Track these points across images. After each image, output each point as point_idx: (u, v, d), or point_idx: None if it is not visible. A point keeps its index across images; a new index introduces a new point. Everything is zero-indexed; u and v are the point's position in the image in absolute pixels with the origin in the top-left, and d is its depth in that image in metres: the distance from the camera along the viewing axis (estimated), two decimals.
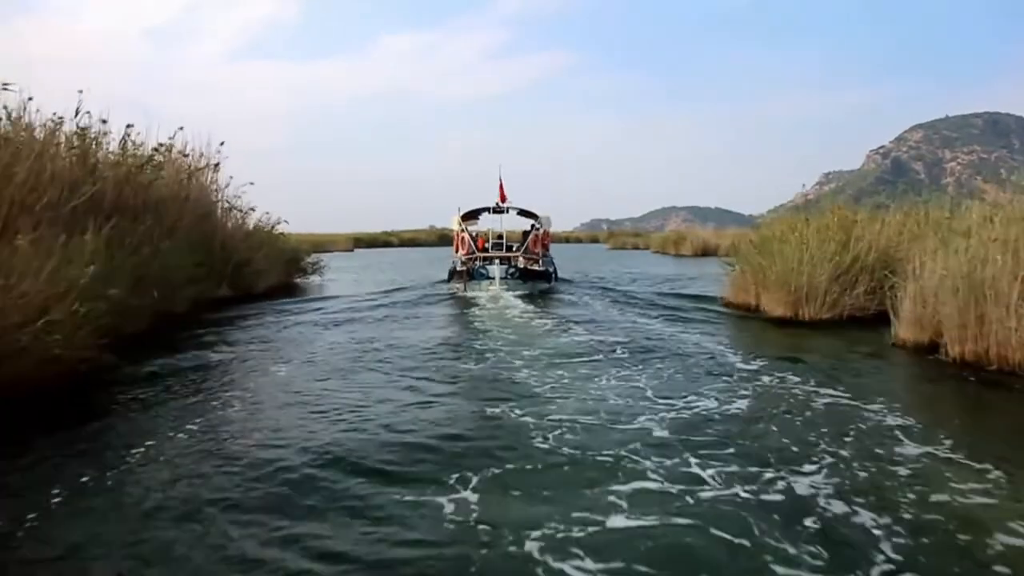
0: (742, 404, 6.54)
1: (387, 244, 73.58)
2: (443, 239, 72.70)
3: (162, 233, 11.41)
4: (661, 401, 6.59)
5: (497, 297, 16.44)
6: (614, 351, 9.32)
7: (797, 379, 7.56)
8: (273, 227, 19.30)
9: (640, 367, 8.26)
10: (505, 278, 18.23)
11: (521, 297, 16.43)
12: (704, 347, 9.63)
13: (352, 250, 61.40)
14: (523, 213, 20.60)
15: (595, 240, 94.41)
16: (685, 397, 6.73)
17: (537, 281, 18.91)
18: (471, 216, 20.47)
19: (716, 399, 6.66)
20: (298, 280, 21.10)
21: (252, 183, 17.38)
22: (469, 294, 16.96)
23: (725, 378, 7.67)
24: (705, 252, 43.79)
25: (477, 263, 18.88)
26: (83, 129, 10.92)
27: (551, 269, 20.07)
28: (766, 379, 7.62)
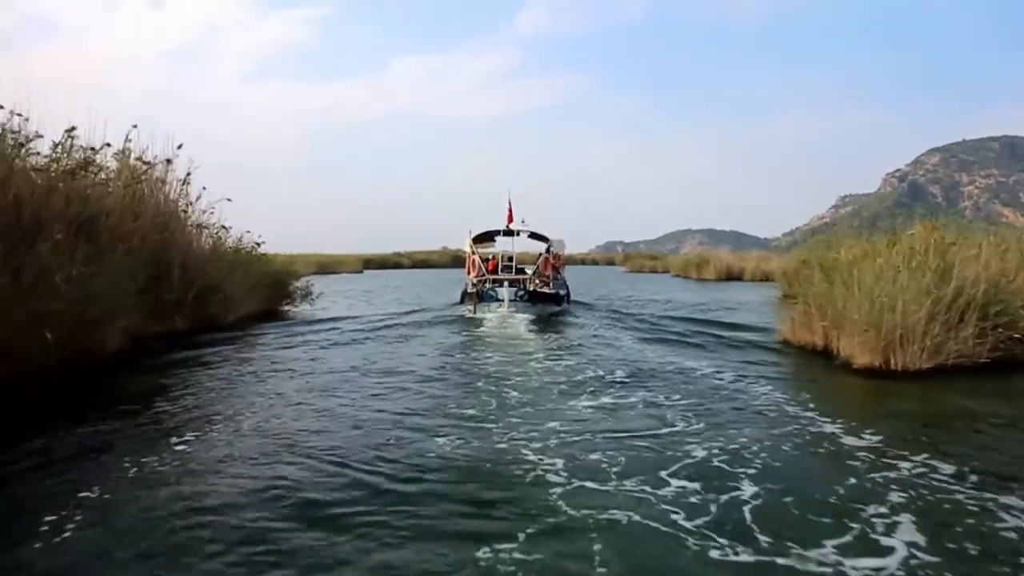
0: (884, 522, 4.19)
1: (398, 265, 71.79)
2: (456, 260, 71.44)
3: (94, 253, 9.08)
4: (764, 536, 4.12)
5: (504, 323, 15.79)
6: (667, 418, 6.95)
7: (948, 472, 5.17)
8: (253, 248, 17.15)
9: (705, 442, 5.99)
10: (514, 300, 17.72)
11: (534, 330, 14.73)
12: (784, 408, 7.29)
13: (361, 271, 59.65)
14: (534, 236, 20.66)
15: (611, 262, 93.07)
16: (792, 525, 4.26)
17: (547, 304, 18.55)
18: (485, 238, 20.66)
19: (844, 520, 4.27)
20: (287, 308, 18.96)
21: (229, 199, 15.11)
22: (478, 316, 16.93)
23: (836, 466, 5.40)
24: (729, 276, 41.77)
25: (487, 285, 18.40)
26: None
27: (563, 292, 19.97)
28: (903, 469, 5.24)
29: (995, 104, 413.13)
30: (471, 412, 7.11)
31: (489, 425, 6.59)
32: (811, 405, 7.41)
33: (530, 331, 13.85)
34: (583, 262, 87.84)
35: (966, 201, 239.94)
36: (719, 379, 8.95)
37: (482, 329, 14.83)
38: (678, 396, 7.85)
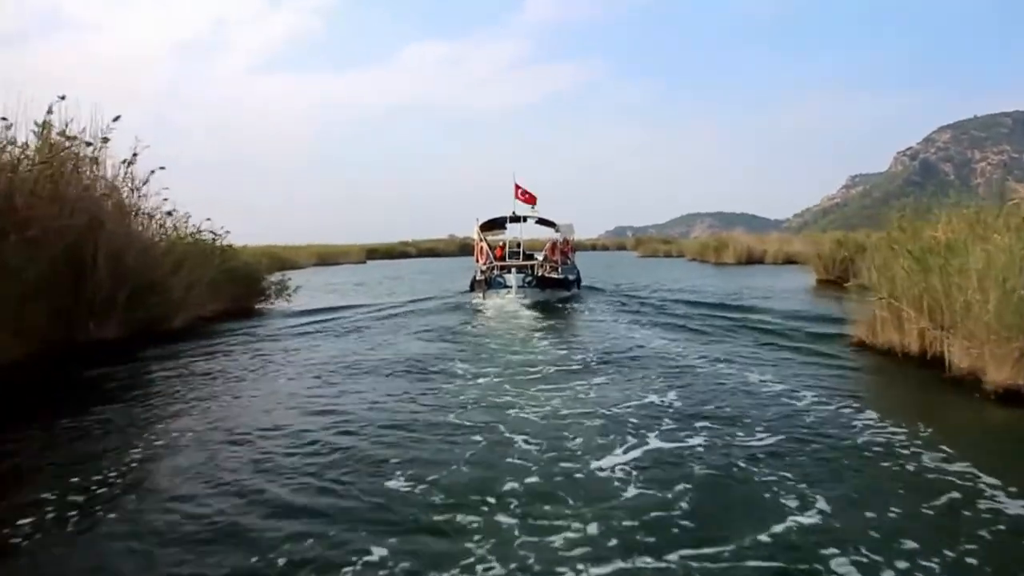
0: None
1: (404, 255, 69.68)
2: (464, 248, 69.63)
3: None
4: None
5: (510, 319, 14.62)
6: (744, 472, 4.70)
7: None
8: (214, 239, 14.86)
9: (807, 512, 3.90)
10: (523, 286, 17.41)
11: (545, 328, 12.90)
12: (906, 455, 4.95)
13: (364, 262, 57.55)
14: (542, 222, 20.63)
15: (622, 247, 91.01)
16: None
17: (556, 289, 18.60)
18: (494, 226, 20.56)
19: None
20: (259, 305, 16.76)
21: (168, 189, 12.74)
22: (487, 302, 17.16)
23: None
24: (750, 260, 39.33)
25: (495, 272, 18.23)
26: None
27: (572, 277, 20.22)
28: None
29: (1007, 79, 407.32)
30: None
31: None
32: (948, 450, 4.99)
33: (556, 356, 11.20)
34: (593, 248, 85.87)
35: (978, 178, 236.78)
36: (797, 401, 6.61)
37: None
38: (754, 431, 5.60)
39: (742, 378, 7.73)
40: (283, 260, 45.14)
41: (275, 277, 17.87)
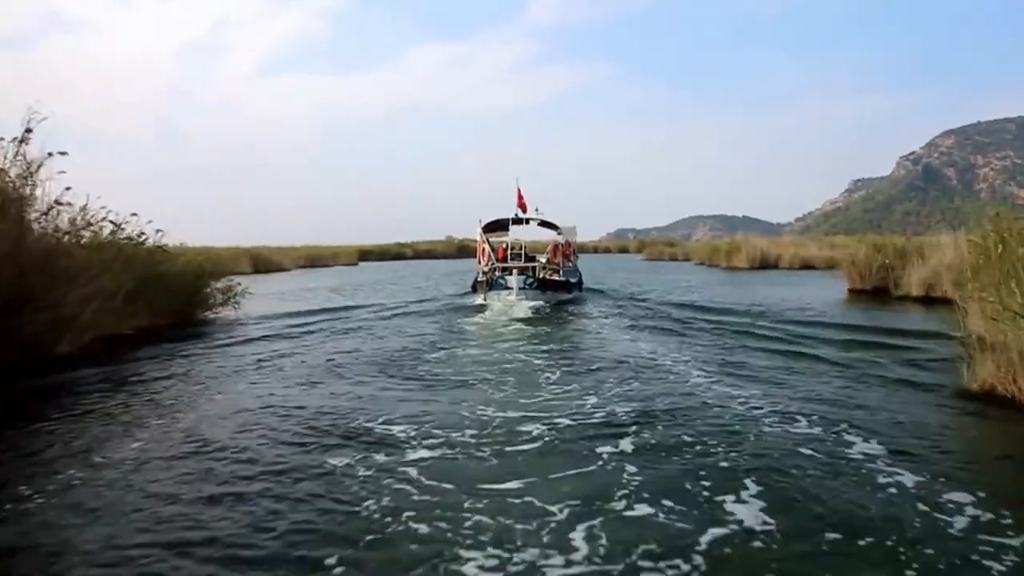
0: None
1: (400, 256, 67.64)
2: (462, 250, 68.94)
3: None
4: None
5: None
6: None
7: None
8: (140, 239, 12.47)
9: None
10: (524, 288, 17.40)
11: (549, 358, 10.13)
12: None
13: (356, 264, 55.31)
14: (544, 224, 20.79)
15: (624, 250, 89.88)
16: None
17: (557, 291, 18.64)
18: (497, 227, 20.63)
19: None
20: (204, 314, 14.55)
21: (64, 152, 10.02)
22: (489, 303, 17.26)
23: None
24: (763, 264, 36.89)
25: (496, 273, 18.25)
26: None
27: (573, 280, 20.15)
28: None
29: (1011, 85, 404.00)
30: None
31: None
32: None
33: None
34: (595, 250, 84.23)
35: (981, 183, 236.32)
36: (952, 515, 4.04)
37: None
38: None
39: (845, 450, 5.15)
40: (268, 262, 43.12)
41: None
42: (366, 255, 62.55)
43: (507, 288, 17.50)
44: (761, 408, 6.53)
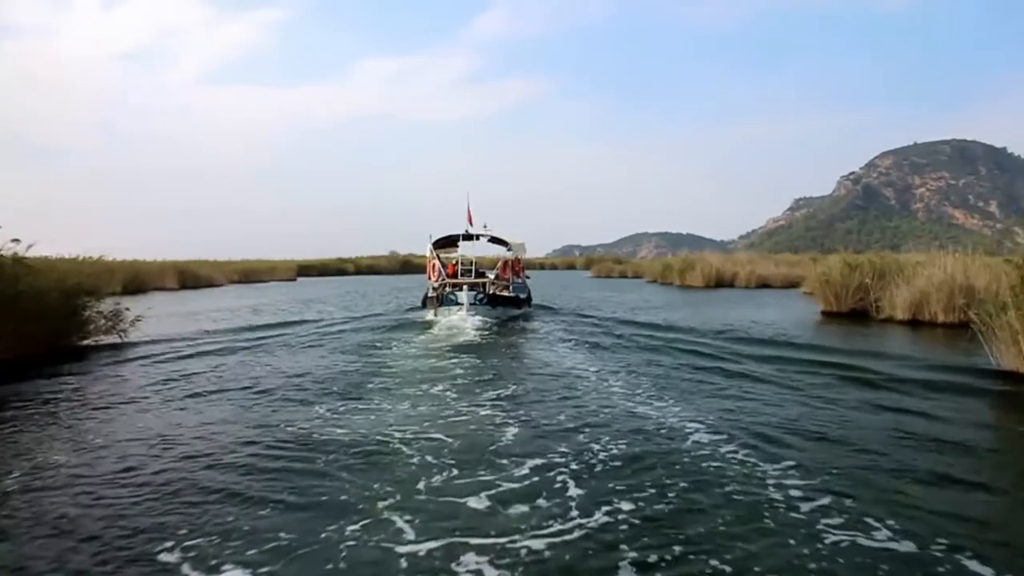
0: None
1: (341, 272, 64.92)
2: (406, 266, 66.60)
3: None
4: None
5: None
6: None
7: None
8: None
9: None
10: (474, 304, 17.40)
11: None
12: None
13: (295, 279, 52.88)
14: (495, 240, 20.85)
15: (571, 266, 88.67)
16: None
17: (507, 307, 18.78)
18: (447, 243, 20.65)
19: None
20: (85, 340, 12.62)
21: None
22: (440, 319, 16.96)
23: None
24: (719, 283, 35.62)
25: (447, 289, 18.13)
26: None
27: (523, 295, 20.40)
28: None
29: (946, 109, 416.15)
30: None
31: None
32: None
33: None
34: (542, 266, 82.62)
35: (918, 203, 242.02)
36: None
37: None
38: None
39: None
40: (197, 277, 40.68)
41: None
42: (305, 270, 60.25)
43: (458, 304, 17.42)
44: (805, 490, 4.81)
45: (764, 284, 35.00)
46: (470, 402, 7.92)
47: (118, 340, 13.11)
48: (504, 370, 10.28)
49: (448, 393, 8.46)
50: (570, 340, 13.88)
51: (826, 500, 4.65)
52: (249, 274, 49.27)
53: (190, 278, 39.42)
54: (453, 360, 11.17)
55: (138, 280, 34.12)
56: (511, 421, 6.97)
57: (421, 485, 5.14)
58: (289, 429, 6.78)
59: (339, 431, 6.69)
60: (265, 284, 45.87)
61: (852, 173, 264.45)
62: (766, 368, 10.06)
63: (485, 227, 20.26)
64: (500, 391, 8.53)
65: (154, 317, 15.91)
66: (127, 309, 13.35)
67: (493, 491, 4.99)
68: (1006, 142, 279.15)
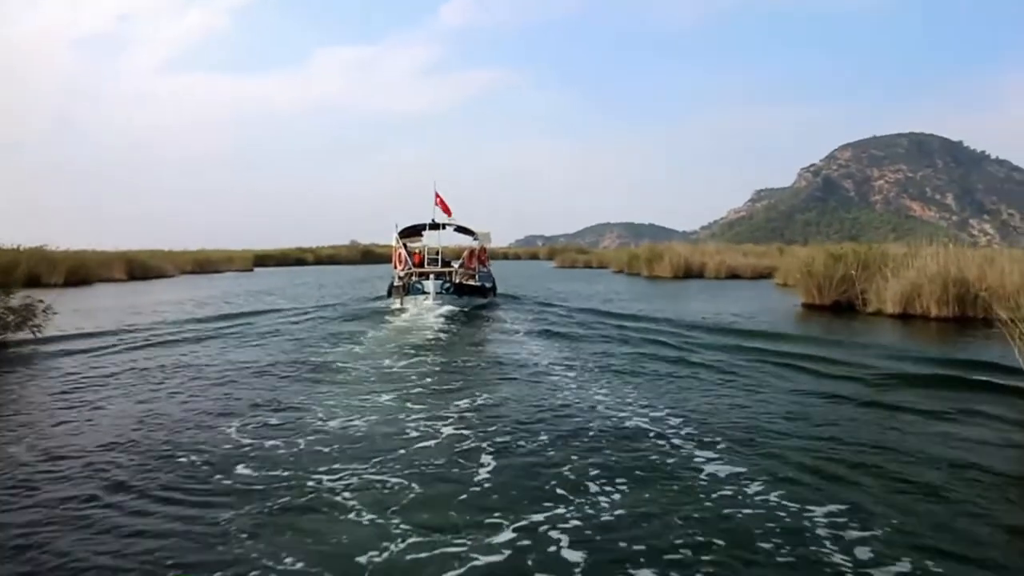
0: None
1: (300, 262, 63.36)
2: (367, 256, 65.71)
3: None
4: None
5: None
6: None
7: None
8: None
9: None
10: (440, 293, 17.64)
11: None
12: None
13: (252, 270, 51.41)
14: (460, 229, 20.98)
15: (534, 256, 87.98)
16: None
17: (473, 296, 18.91)
18: (412, 233, 20.76)
19: None
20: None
21: None
22: (406, 307, 16.98)
23: None
24: (687, 274, 34.81)
25: (413, 278, 18.36)
26: None
27: (488, 284, 20.56)
28: None
29: (903, 103, 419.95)
30: None
31: None
32: None
33: None
34: (505, 256, 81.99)
35: (877, 195, 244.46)
36: None
37: None
38: None
39: None
40: (147, 268, 38.84)
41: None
42: (263, 260, 58.51)
43: (424, 293, 17.61)
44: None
45: (734, 275, 34.39)
46: (433, 416, 6.68)
47: (31, 336, 11.77)
48: (473, 372, 9.19)
49: (408, 405, 7.21)
50: (542, 334, 12.97)
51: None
52: (204, 264, 47.48)
53: (139, 269, 37.52)
54: (414, 360, 10.04)
55: (83, 271, 32.29)
56: (484, 447, 5.70)
57: (362, 560, 3.80)
58: (182, 459, 5.45)
59: (251, 467, 5.24)
60: (220, 275, 44.05)
61: (812, 165, 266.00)
62: (768, 366, 9.23)
63: (450, 216, 20.16)
64: (469, 400, 7.40)
65: (83, 311, 14.54)
66: (40, 302, 12.02)
67: (464, 569, 3.69)
68: (962, 136, 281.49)
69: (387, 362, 9.87)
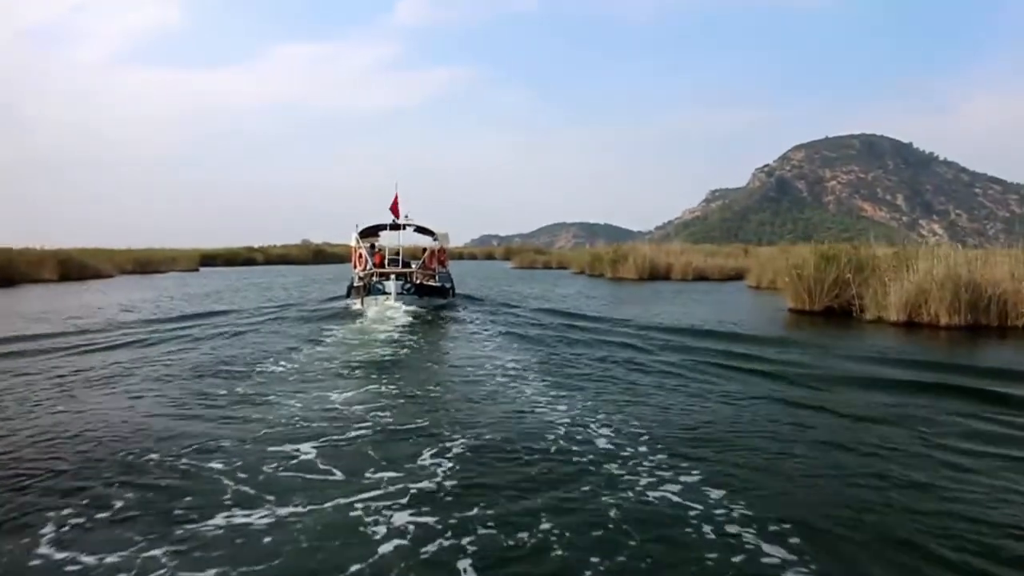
0: None
1: (250, 262, 60.84)
2: (320, 256, 63.62)
3: None
4: None
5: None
6: None
7: None
8: None
9: None
10: (401, 293, 17.37)
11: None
12: None
13: (197, 270, 48.96)
14: (420, 230, 20.88)
15: (491, 256, 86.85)
16: None
17: (433, 296, 18.77)
18: (370, 233, 20.67)
19: None
20: None
21: None
22: (367, 309, 16.71)
23: None
24: (653, 275, 33.32)
25: (374, 279, 17.98)
26: None
27: (448, 285, 20.56)
28: None
29: (855, 105, 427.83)
30: None
31: None
32: None
33: None
34: (461, 256, 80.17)
35: (829, 196, 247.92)
36: None
37: None
38: None
39: None
40: (83, 268, 35.96)
41: None
42: (211, 260, 55.98)
43: (385, 293, 17.43)
44: None
45: (701, 276, 33.24)
46: (381, 499, 4.54)
47: None
48: (438, 408, 7.11)
49: (344, 479, 5.00)
50: (518, 350, 11.07)
51: None
52: (145, 264, 44.70)
53: (74, 269, 34.72)
54: (363, 393, 7.89)
55: (8, 271, 29.95)
56: (455, 555, 3.81)
57: None
58: None
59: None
60: (163, 275, 41.55)
61: (766, 166, 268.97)
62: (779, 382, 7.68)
63: (406, 217, 20.11)
64: (432, 454, 5.45)
65: None
66: None
67: None
68: (911, 137, 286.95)
69: (324, 397, 7.70)
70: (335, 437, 5.84)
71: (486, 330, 13.89)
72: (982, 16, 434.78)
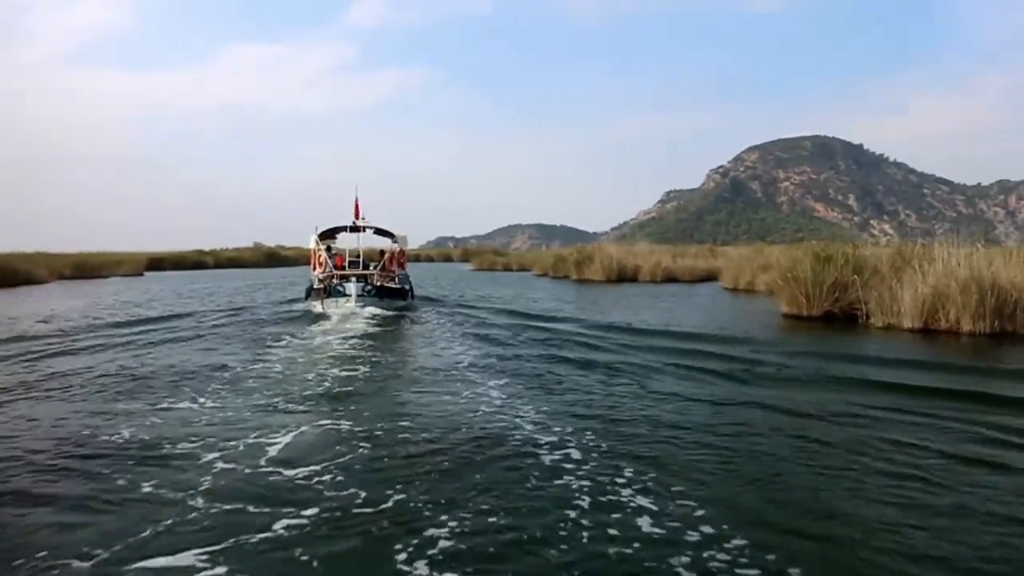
0: None
1: (200, 265, 58.71)
2: (272, 259, 61.83)
3: None
4: None
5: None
6: None
7: None
8: None
9: None
10: (362, 295, 17.42)
11: None
12: None
13: (142, 274, 46.51)
14: (380, 232, 20.76)
15: (448, 258, 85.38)
16: None
17: (393, 298, 18.78)
18: (329, 235, 20.47)
19: None
20: None
21: None
22: (328, 311, 16.86)
23: None
24: (621, 277, 32.20)
25: (334, 281, 18.06)
26: None
27: (407, 287, 20.51)
28: None
29: (807, 107, 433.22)
30: None
31: None
32: None
33: None
34: (418, 258, 78.39)
35: (783, 196, 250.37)
36: None
37: None
38: None
39: None
40: (14, 273, 33.37)
41: None
42: (158, 264, 53.73)
43: (345, 295, 17.46)
44: None
45: (671, 278, 32.16)
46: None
47: None
48: (400, 454, 5.56)
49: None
50: (491, 366, 9.70)
51: None
52: (85, 269, 41.85)
53: (2, 274, 32.39)
54: (311, 432, 6.35)
55: None
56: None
57: None
58: None
59: None
60: (104, 280, 39.23)
61: (720, 167, 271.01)
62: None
63: (364, 219, 20.05)
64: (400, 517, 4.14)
65: None
66: None
67: None
68: (862, 139, 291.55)
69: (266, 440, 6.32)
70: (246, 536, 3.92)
71: (470, 363, 10.18)
72: (930, 18, 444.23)
